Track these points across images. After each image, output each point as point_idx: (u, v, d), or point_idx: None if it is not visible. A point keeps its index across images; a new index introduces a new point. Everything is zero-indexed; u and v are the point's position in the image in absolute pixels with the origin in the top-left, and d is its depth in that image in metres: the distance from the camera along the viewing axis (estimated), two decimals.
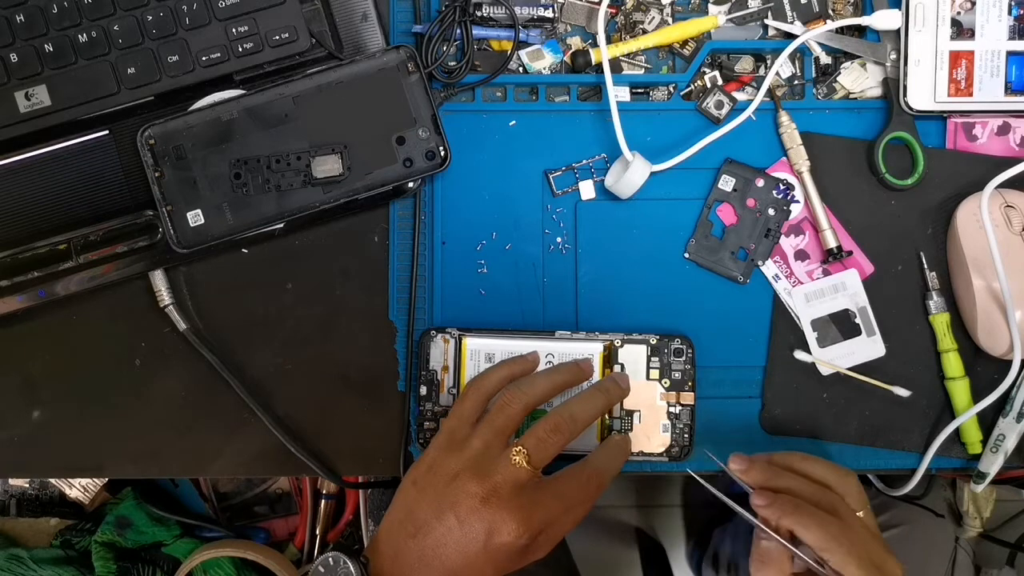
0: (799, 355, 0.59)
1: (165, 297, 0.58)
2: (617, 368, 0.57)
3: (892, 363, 0.59)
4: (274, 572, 0.69)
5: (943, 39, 0.59)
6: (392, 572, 0.50)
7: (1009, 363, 0.57)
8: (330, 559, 0.50)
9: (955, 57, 0.59)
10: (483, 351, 0.57)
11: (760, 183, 0.59)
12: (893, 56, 0.60)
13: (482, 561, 0.49)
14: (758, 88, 0.60)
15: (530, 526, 0.49)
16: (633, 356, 0.57)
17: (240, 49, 0.57)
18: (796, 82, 0.61)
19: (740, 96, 0.60)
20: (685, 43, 0.61)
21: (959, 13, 0.59)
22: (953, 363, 0.58)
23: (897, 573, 0.49)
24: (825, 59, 0.61)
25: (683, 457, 0.58)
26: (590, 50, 0.60)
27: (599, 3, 0.59)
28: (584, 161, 0.60)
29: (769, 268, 0.60)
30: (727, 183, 0.60)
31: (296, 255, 0.60)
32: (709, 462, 0.58)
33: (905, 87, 0.59)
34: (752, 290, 0.60)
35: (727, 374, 0.59)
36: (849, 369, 0.59)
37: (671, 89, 0.61)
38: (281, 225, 0.57)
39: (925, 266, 0.59)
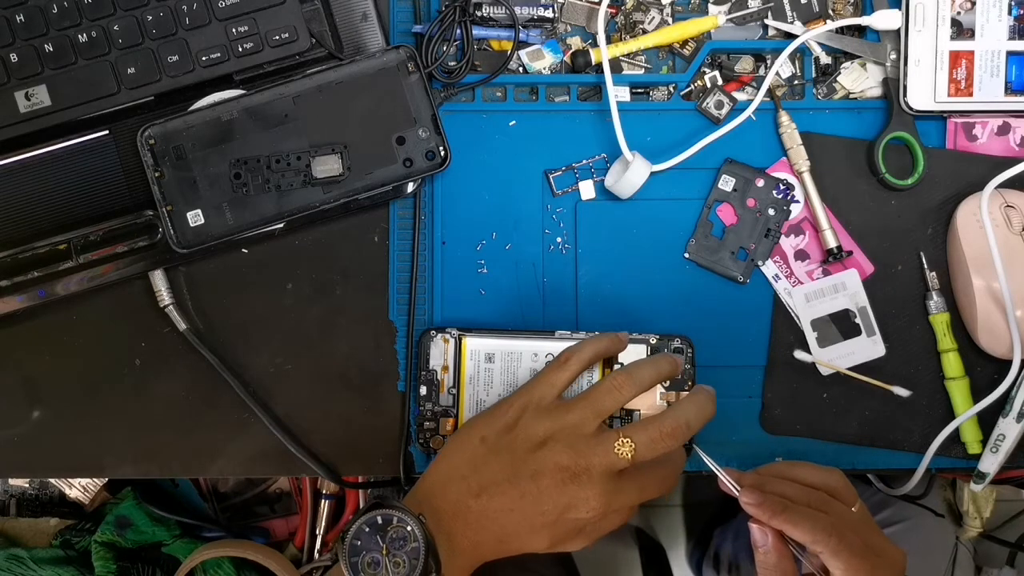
0: (799, 355, 0.59)
1: (165, 297, 0.58)
2: (618, 366, 0.57)
3: (892, 363, 0.59)
4: (274, 572, 0.69)
5: (943, 39, 0.59)
6: (450, 530, 0.47)
7: (1009, 363, 0.57)
8: (379, 518, 0.44)
9: (955, 57, 0.59)
10: (483, 351, 0.57)
11: (760, 183, 0.59)
12: (893, 56, 0.60)
13: (546, 531, 0.48)
14: (758, 88, 0.60)
15: (608, 509, 0.47)
16: (633, 356, 0.57)
17: (240, 49, 0.57)
18: (796, 82, 0.61)
19: (740, 96, 0.60)
20: (685, 43, 0.61)
21: (959, 13, 0.59)
22: (953, 363, 0.58)
23: (898, 558, 0.48)
24: (825, 59, 0.61)
25: None
26: (590, 50, 0.60)
27: (599, 3, 0.59)
28: (584, 161, 0.60)
29: (769, 268, 0.60)
30: (727, 183, 0.59)
31: (296, 255, 0.60)
32: (716, 457, 0.58)
33: (905, 87, 0.59)
34: (752, 290, 0.60)
35: (727, 374, 0.59)
36: (849, 369, 0.59)
37: (671, 89, 0.61)
38: (281, 225, 0.57)
39: (925, 266, 0.59)
